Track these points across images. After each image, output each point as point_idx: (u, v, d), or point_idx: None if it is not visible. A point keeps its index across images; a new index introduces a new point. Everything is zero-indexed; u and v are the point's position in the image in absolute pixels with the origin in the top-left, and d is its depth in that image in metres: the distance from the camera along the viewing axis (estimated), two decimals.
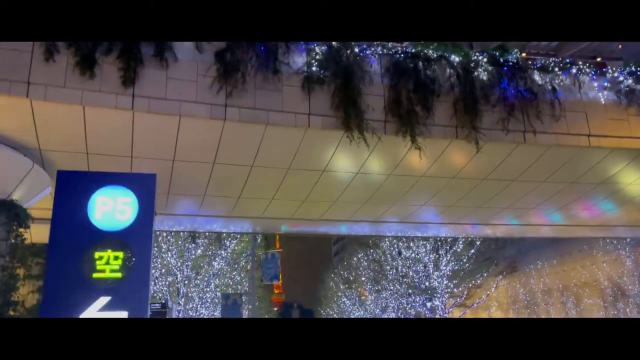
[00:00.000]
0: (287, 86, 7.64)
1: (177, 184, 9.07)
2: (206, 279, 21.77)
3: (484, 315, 30.01)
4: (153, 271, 20.97)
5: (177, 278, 20.85)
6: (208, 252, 21.29)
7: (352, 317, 42.21)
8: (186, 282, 21.16)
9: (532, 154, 9.05)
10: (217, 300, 22.08)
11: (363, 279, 33.58)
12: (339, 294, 45.67)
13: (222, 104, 7.26)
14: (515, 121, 8.53)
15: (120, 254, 4.46)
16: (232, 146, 7.95)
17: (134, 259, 4.47)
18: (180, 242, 20.55)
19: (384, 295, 30.69)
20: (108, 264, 4.49)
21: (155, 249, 21.08)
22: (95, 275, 4.52)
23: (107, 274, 4.48)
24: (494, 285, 25.05)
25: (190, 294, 21.63)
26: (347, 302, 44.15)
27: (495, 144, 8.52)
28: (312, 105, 7.68)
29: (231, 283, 23.38)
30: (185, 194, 9.77)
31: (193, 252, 20.98)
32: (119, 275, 4.54)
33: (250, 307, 22.35)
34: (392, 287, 27.69)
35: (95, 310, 4.30)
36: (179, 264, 20.51)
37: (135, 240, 4.67)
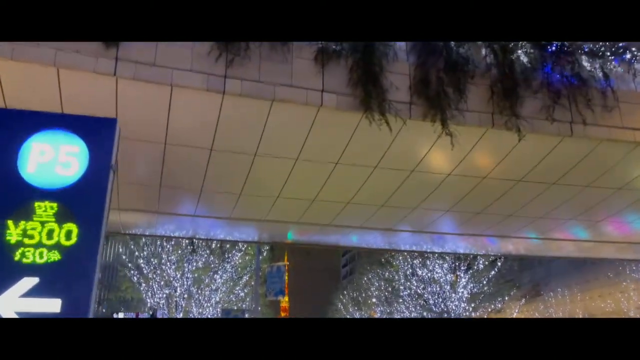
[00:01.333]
0: (297, 58, 6.62)
1: (170, 174, 8.04)
2: (207, 293, 20.58)
3: None
4: (151, 283, 19.91)
5: (175, 291, 19.70)
6: (210, 264, 20.17)
7: None
8: (185, 296, 20.00)
9: (579, 150, 7.89)
10: (217, 317, 20.87)
11: (374, 299, 32.13)
12: (348, 316, 44.10)
13: (221, 74, 6.25)
14: (561, 110, 7.40)
15: (57, 223, 3.29)
16: (232, 128, 6.92)
17: (77, 231, 3.31)
18: (180, 252, 19.47)
19: (396, 317, 29.17)
20: (40, 234, 3.31)
21: (154, 260, 20.05)
22: (20, 250, 3.32)
23: (38, 250, 3.30)
24: (516, 310, 23.44)
25: (189, 309, 20.45)
26: None
27: (536, 136, 7.38)
28: (326, 81, 6.64)
29: (234, 299, 22.16)
30: (180, 188, 8.73)
31: (194, 263, 19.89)
32: (54, 252, 3.36)
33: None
34: (404, 310, 26.23)
35: (16, 295, 3.14)
36: (178, 275, 19.39)
37: (81, 204, 3.41)
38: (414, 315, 25.22)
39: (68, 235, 3.25)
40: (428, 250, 15.75)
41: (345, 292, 45.54)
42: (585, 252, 14.75)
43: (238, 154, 7.54)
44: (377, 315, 33.68)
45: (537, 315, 26.87)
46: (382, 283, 28.74)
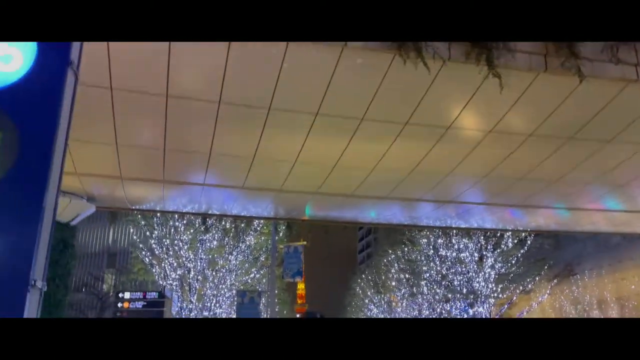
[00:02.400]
0: None
1: (175, 134, 7.22)
2: (221, 274, 19.94)
3: None
4: (163, 264, 19.35)
5: (189, 272, 19.09)
6: (224, 245, 19.49)
7: None
8: (199, 277, 19.39)
9: None
10: (232, 299, 20.27)
11: (393, 283, 31.28)
12: (366, 300, 43.39)
13: None
14: (626, 50, 6.36)
15: None
16: (243, 73, 6.03)
17: (19, 143, 2.43)
18: (192, 231, 18.81)
19: (418, 300, 28.36)
20: None
21: (166, 240, 19.44)
22: None
23: None
24: (547, 292, 22.35)
25: (203, 291, 19.86)
26: (375, 309, 41.85)
27: (596, 81, 6.36)
28: None
29: (249, 281, 21.51)
30: (186, 151, 7.92)
31: (207, 244, 19.23)
32: None
33: (269, 309, 20.45)
34: (427, 291, 25.38)
35: None
36: (191, 255, 18.76)
37: (24, 110, 2.56)
38: (437, 297, 24.41)
39: (8, 144, 2.36)
40: (452, 226, 14.71)
41: (363, 276, 44.81)
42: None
43: (249, 108, 6.67)
44: (398, 299, 32.89)
45: (569, 295, 25.76)
46: (403, 265, 27.86)
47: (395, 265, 29.49)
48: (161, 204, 11.83)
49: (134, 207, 12.84)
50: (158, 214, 19.23)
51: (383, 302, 39.99)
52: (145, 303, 13.20)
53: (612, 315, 25.85)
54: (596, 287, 25.19)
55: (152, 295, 13.12)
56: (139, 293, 13.92)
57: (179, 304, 18.85)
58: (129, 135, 7.16)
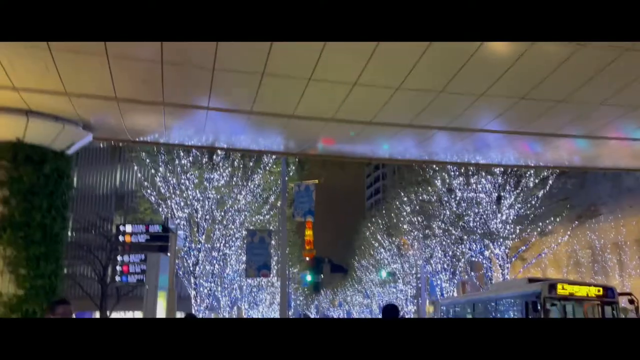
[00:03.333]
0: None
1: (172, 44, 6.35)
2: (230, 214, 19.50)
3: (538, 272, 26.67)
4: (170, 203, 18.92)
5: (196, 212, 18.65)
6: (232, 184, 18.91)
7: (389, 268, 40.09)
8: (207, 217, 18.97)
9: None
10: (242, 239, 19.98)
11: (405, 226, 30.94)
12: (376, 244, 43.46)
13: None
14: None
15: None
16: None
17: None
18: (199, 168, 18.19)
19: (431, 242, 28.05)
20: None
21: (172, 178, 18.90)
22: None
23: None
24: (568, 234, 21.75)
25: (212, 231, 19.52)
26: (385, 253, 41.97)
27: None
28: None
29: (259, 221, 21.12)
30: (187, 66, 7.06)
31: (215, 182, 18.67)
32: None
33: (280, 250, 20.14)
34: (441, 233, 24.96)
35: None
36: (198, 194, 18.25)
37: None
38: (454, 237, 23.97)
39: None
40: (470, 162, 13.83)
41: (373, 220, 44.67)
42: None
43: None
44: (409, 242, 32.64)
45: (589, 239, 25.21)
46: (417, 206, 27.36)
47: (408, 207, 28.99)
48: (164, 135, 11.10)
49: (135, 139, 12.12)
50: (163, 151, 18.59)
51: (393, 246, 40.00)
52: (148, 237, 12.73)
53: (633, 257, 25.39)
54: (616, 229, 24.60)
55: (156, 228, 12.59)
56: (141, 226, 13.41)
57: (186, 242, 18.54)
58: (120, 43, 6.30)
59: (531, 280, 12.99)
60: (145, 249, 11.94)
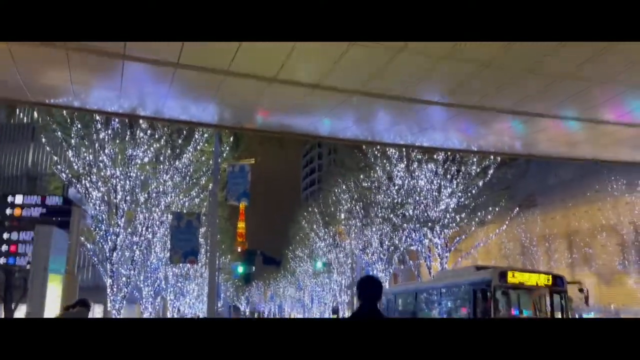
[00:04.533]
0: None
1: None
2: (154, 196, 17.85)
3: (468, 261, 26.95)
4: (83, 181, 16.98)
5: (115, 192, 16.83)
6: (159, 161, 17.24)
7: (325, 258, 39.56)
8: (127, 198, 17.20)
9: None
10: (169, 225, 18.36)
11: (342, 215, 30.37)
12: (312, 234, 42.76)
13: None
14: None
15: None
16: None
17: None
18: (117, 142, 16.40)
19: (369, 231, 27.63)
20: None
21: (87, 154, 16.95)
22: None
23: None
24: (506, 223, 21.94)
25: (134, 214, 17.76)
26: (321, 243, 41.36)
27: None
28: None
29: (187, 205, 19.58)
30: None
31: (138, 160, 16.93)
32: None
33: (209, 239, 18.70)
34: (380, 221, 24.52)
35: None
36: (118, 172, 16.46)
37: None
38: (393, 225, 23.58)
39: None
40: (414, 144, 13.16)
41: (309, 209, 43.93)
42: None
43: None
44: (345, 231, 32.14)
45: (530, 228, 25.73)
46: (356, 194, 26.80)
47: (346, 195, 28.39)
48: (74, 96, 9.48)
49: (39, 101, 10.35)
50: (78, 123, 16.58)
51: (329, 236, 39.45)
52: (44, 210, 10.59)
53: (559, 249, 26.27)
54: (558, 219, 25.26)
55: (55, 200, 10.59)
56: (35, 197, 11.19)
57: (101, 225, 16.65)
58: None
59: (479, 268, 12.64)
60: (41, 225, 9.84)
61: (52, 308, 7.86)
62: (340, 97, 8.96)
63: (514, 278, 11.08)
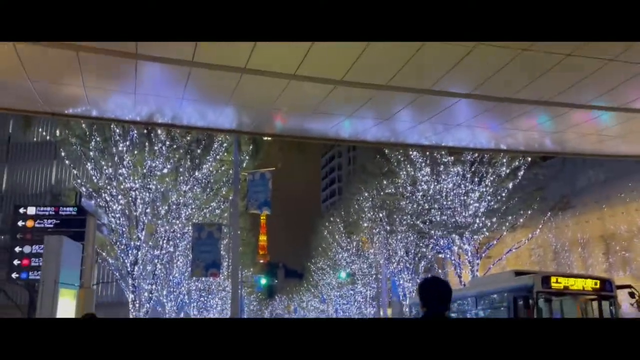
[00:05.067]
0: None
1: None
2: (174, 208, 17.61)
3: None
4: (103, 194, 16.83)
5: (134, 204, 16.62)
6: (178, 172, 17.02)
7: (349, 269, 38.91)
8: (147, 210, 16.99)
9: None
10: (188, 236, 18.10)
11: (366, 224, 29.76)
12: (334, 245, 42.16)
13: None
14: None
15: None
16: None
17: None
18: (135, 153, 16.21)
19: (394, 239, 26.97)
20: None
21: (107, 167, 16.83)
22: None
23: None
24: (539, 227, 21.08)
25: (154, 226, 17.54)
26: (344, 254, 40.73)
27: None
28: None
29: (208, 216, 19.31)
30: None
31: (157, 172, 16.72)
32: None
33: (231, 251, 18.33)
34: (405, 229, 23.89)
35: None
36: (136, 184, 16.26)
37: None
38: (412, 238, 22.95)
39: None
40: (439, 144, 12.60)
41: (331, 219, 43.44)
42: None
43: None
44: (369, 240, 31.52)
45: (562, 231, 24.78)
46: (379, 201, 26.20)
47: (369, 203, 27.82)
48: (88, 103, 9.30)
49: (55, 111, 10.18)
50: (96, 135, 16.47)
51: (352, 245, 38.82)
52: (57, 221, 10.20)
53: (594, 253, 25.23)
54: (579, 224, 24.31)
55: (68, 210, 10.25)
56: (48, 208, 10.84)
57: (122, 238, 16.44)
58: None
59: (518, 274, 11.90)
60: (50, 235, 9.43)
61: None
62: (361, 95, 8.56)
63: (557, 283, 10.36)
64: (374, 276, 35.82)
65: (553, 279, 10.46)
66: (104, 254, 18.28)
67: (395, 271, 28.76)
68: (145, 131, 16.38)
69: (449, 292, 2.97)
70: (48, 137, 41.17)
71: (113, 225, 16.48)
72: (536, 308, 10.02)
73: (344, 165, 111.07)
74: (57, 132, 16.44)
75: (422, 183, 21.08)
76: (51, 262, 6.83)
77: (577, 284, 10.55)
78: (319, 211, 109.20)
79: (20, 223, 10.20)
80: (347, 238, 38.99)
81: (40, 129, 39.74)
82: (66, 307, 7.21)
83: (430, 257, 24.77)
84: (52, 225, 9.53)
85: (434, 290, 2.95)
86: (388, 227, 26.65)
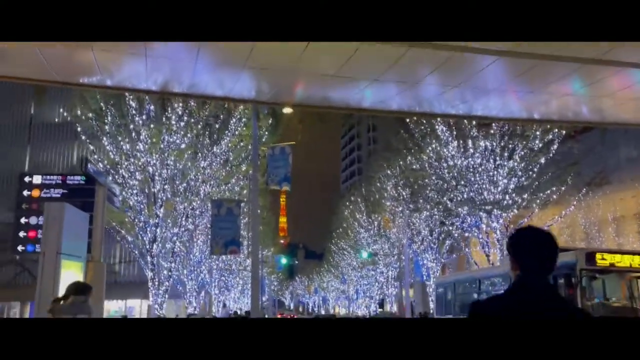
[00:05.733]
0: None
1: None
2: (192, 184, 17.24)
3: None
4: (120, 170, 16.54)
5: (152, 180, 16.31)
6: (194, 146, 16.60)
7: (370, 249, 38.45)
8: (166, 187, 16.67)
9: None
10: (208, 214, 17.79)
11: (388, 203, 29.13)
12: (355, 224, 41.68)
13: None
14: None
15: None
16: None
17: None
18: (152, 127, 15.82)
19: (418, 218, 26.31)
20: None
21: (124, 143, 16.50)
22: None
23: None
24: (573, 203, 20.11)
25: (173, 204, 17.23)
26: (365, 234, 40.26)
27: None
28: None
29: (227, 194, 18.94)
30: None
31: (174, 146, 16.33)
32: None
33: (251, 228, 17.88)
34: (429, 207, 23.20)
35: None
36: (153, 159, 15.91)
37: None
38: (444, 209, 22.22)
39: None
40: (468, 114, 11.82)
41: (352, 198, 42.93)
42: None
43: None
44: (392, 219, 30.89)
45: (594, 209, 23.79)
46: (402, 179, 25.51)
47: (392, 181, 27.13)
48: (99, 71, 8.83)
49: (66, 81, 9.75)
50: (111, 110, 16.12)
51: (374, 225, 38.26)
52: (65, 191, 9.63)
53: (625, 232, 24.25)
54: (615, 202, 23.30)
55: (76, 179, 9.74)
56: (55, 177, 10.28)
57: (140, 215, 16.18)
58: None
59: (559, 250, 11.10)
60: (51, 202, 8.62)
61: None
62: (384, 57, 7.91)
63: (603, 260, 9.63)
64: (396, 256, 35.29)
65: (598, 256, 9.74)
66: (123, 231, 18.13)
67: (419, 251, 28.15)
68: (161, 106, 15.98)
69: (553, 248, 2.10)
70: (69, 118, 41.20)
71: (131, 203, 16.24)
72: (580, 287, 9.36)
73: (363, 146, 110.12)
74: (78, 112, 16.10)
75: (449, 159, 20.28)
76: (52, 230, 6.39)
77: (624, 261, 9.81)
78: (339, 192, 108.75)
79: (25, 192, 9.50)
80: (369, 218, 38.48)
81: (61, 110, 39.74)
82: (71, 280, 6.85)
83: (457, 235, 24.02)
84: (59, 195, 8.92)
85: (532, 245, 2.07)
86: (411, 206, 25.95)
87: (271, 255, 47.73)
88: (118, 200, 9.96)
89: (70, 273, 6.67)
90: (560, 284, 9.96)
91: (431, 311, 29.15)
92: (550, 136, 18.62)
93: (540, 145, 18.66)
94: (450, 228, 23.72)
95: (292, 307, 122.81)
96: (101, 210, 8.50)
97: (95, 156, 16.22)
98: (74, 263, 6.81)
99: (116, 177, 15.92)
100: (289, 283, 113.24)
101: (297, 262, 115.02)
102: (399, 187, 26.53)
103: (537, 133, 18.42)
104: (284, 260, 52.54)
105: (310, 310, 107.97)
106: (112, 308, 33.82)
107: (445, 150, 20.20)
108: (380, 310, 53.11)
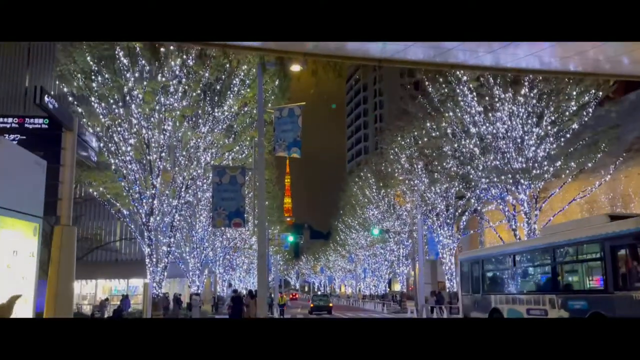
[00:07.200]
0: None
1: None
2: (192, 151, 15.81)
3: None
4: (110, 132, 15.08)
5: (148, 148, 14.88)
6: (194, 107, 15.08)
7: (380, 226, 37.04)
8: (162, 154, 15.24)
9: None
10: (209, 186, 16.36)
11: (401, 177, 27.57)
12: (365, 200, 40.21)
13: None
14: None
15: None
16: None
17: None
18: (145, 84, 14.29)
19: (433, 190, 24.81)
20: None
21: (116, 105, 14.99)
22: None
23: None
24: (610, 172, 18.34)
25: (171, 174, 15.83)
26: (375, 210, 38.83)
27: None
28: None
29: (230, 160, 17.51)
30: None
31: (169, 106, 14.83)
32: None
33: (256, 193, 16.29)
34: (446, 178, 21.64)
35: None
36: (148, 124, 14.45)
37: None
38: (462, 183, 20.58)
39: None
40: (494, 66, 10.23)
41: (361, 174, 41.38)
42: None
43: None
44: (405, 194, 29.39)
45: (622, 181, 21.91)
46: (417, 150, 23.91)
47: (407, 151, 25.51)
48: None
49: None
50: (102, 69, 14.58)
51: (384, 202, 36.77)
52: (23, 137, 7.70)
53: None
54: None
55: (38, 123, 7.98)
56: (10, 119, 8.25)
57: (135, 187, 14.77)
58: None
59: (614, 218, 9.71)
60: None
61: (24, 270, 5.31)
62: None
63: None
64: (407, 233, 33.89)
65: None
66: (118, 204, 16.80)
67: (433, 227, 26.71)
68: (156, 63, 14.45)
69: None
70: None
71: (124, 172, 14.85)
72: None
73: (370, 123, 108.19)
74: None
75: (472, 124, 18.59)
76: None
77: None
78: (344, 170, 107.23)
79: None
80: (378, 194, 37.00)
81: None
82: (17, 243, 5.36)
83: (479, 208, 22.47)
84: (15, 142, 7.11)
85: None
86: (426, 180, 24.39)
87: (277, 233, 46.50)
88: (94, 154, 8.48)
89: (13, 232, 5.19)
90: (619, 256, 8.55)
91: (447, 289, 27.85)
92: (587, 98, 16.90)
93: (575, 107, 16.92)
94: (472, 201, 22.19)
95: (297, 286, 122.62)
96: (69, 161, 7.02)
97: (84, 120, 14.70)
98: (19, 221, 5.34)
99: (110, 145, 14.50)
100: (295, 263, 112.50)
101: (302, 241, 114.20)
102: (414, 159, 24.93)
103: (574, 93, 16.68)
104: (290, 238, 51.28)
105: (315, 289, 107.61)
106: (115, 287, 32.55)
107: (466, 116, 18.52)
108: (389, 290, 51.94)
